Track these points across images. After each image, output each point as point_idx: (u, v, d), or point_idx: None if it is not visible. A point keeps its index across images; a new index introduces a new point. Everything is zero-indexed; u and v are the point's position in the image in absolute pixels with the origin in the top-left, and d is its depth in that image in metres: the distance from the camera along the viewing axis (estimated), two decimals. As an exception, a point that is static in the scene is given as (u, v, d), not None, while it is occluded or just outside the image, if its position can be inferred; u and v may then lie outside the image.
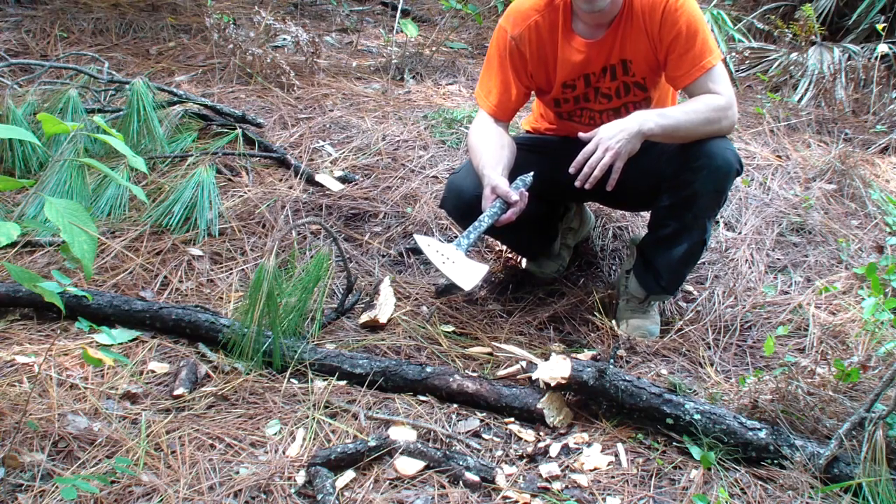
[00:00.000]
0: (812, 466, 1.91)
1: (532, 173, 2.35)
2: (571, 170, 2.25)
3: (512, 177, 2.35)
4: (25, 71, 3.94)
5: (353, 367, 2.27)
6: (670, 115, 2.29)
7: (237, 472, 1.91)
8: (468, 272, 2.24)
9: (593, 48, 2.36)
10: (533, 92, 2.57)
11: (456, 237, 2.39)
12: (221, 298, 2.62)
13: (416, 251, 2.92)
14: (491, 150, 2.38)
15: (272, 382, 2.25)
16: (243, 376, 2.25)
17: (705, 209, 2.36)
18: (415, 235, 2.34)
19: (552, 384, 2.11)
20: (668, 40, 2.29)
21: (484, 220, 2.26)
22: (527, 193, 2.31)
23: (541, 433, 2.11)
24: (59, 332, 2.38)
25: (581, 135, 2.27)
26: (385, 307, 2.59)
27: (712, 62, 2.29)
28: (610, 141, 2.21)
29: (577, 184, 2.25)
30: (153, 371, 2.27)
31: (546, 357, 2.25)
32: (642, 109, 2.46)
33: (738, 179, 3.19)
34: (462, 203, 2.43)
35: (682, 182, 2.32)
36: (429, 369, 2.24)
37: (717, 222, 3.09)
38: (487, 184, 2.29)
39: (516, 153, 2.45)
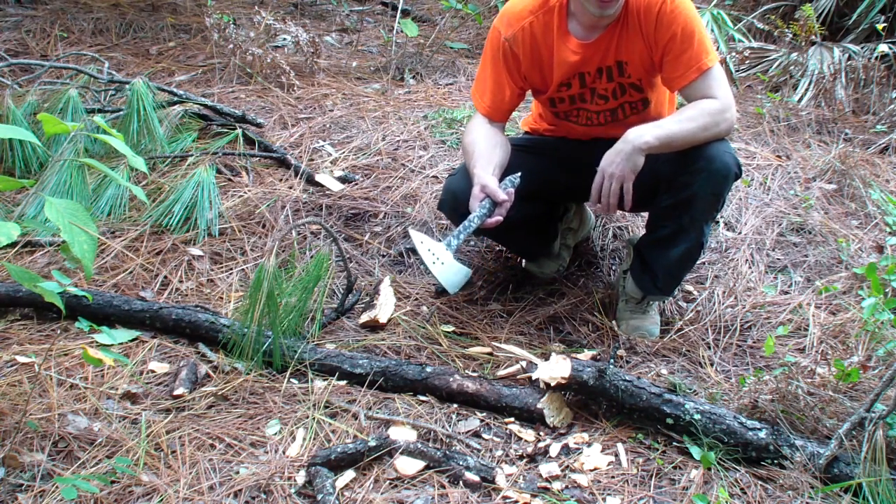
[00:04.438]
0: (812, 466, 1.91)
1: (520, 174, 2.36)
2: (591, 206, 2.29)
3: (505, 177, 2.36)
4: (25, 71, 3.94)
5: (353, 367, 2.27)
6: (665, 125, 2.28)
7: (237, 472, 1.91)
8: (454, 276, 2.33)
9: (588, 49, 2.35)
10: (529, 92, 2.57)
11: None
12: (221, 298, 2.62)
13: (416, 251, 2.92)
14: (483, 150, 2.38)
15: (272, 382, 2.25)
16: (243, 376, 2.25)
17: (702, 212, 2.35)
18: (410, 230, 2.39)
19: (552, 384, 2.11)
20: (664, 42, 2.28)
21: (473, 221, 2.29)
22: (513, 193, 2.32)
23: (541, 433, 2.11)
24: (59, 332, 2.38)
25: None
26: (385, 307, 2.59)
27: (708, 64, 2.28)
28: (611, 167, 2.24)
29: (601, 213, 2.30)
30: (153, 371, 2.27)
31: (546, 357, 2.25)
32: (639, 110, 2.46)
33: (738, 180, 3.20)
34: (458, 205, 2.44)
35: (681, 184, 2.32)
36: (429, 369, 2.24)
37: (717, 222, 3.09)
38: (476, 182, 2.30)
39: (515, 154, 2.46)
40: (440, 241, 2.34)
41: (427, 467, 1.94)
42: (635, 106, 2.46)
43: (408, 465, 1.93)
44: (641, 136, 2.22)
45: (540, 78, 2.47)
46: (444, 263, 2.29)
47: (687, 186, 2.31)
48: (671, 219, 2.39)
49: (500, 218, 2.29)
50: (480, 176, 2.30)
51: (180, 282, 2.68)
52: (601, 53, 2.35)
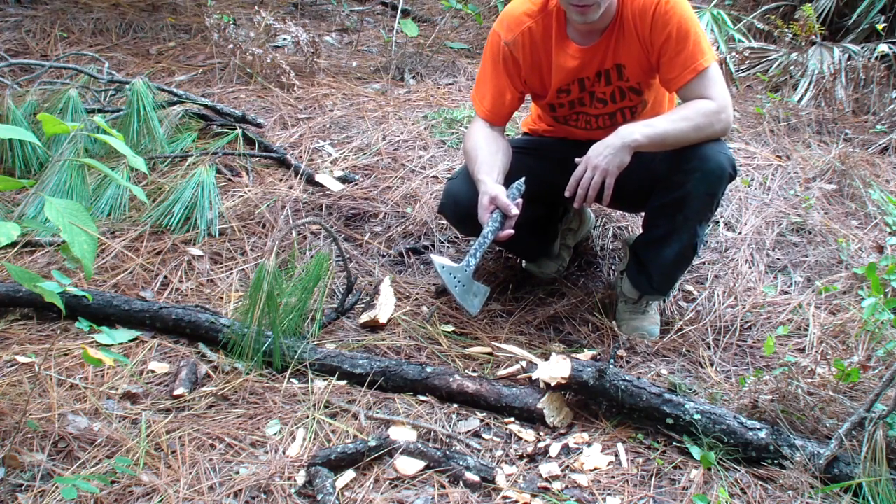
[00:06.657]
0: (812, 466, 1.91)
1: (523, 178, 2.36)
2: (567, 193, 2.29)
3: (507, 181, 2.36)
4: (25, 71, 3.94)
5: (353, 367, 2.27)
6: (656, 124, 2.28)
7: (237, 472, 1.91)
8: (475, 297, 2.38)
9: (587, 54, 2.35)
10: (528, 96, 2.57)
11: (465, 251, 2.42)
12: (221, 298, 2.62)
13: (416, 251, 2.93)
14: (486, 155, 2.38)
15: (272, 382, 2.25)
16: (243, 376, 2.25)
17: (696, 212, 2.35)
18: (431, 256, 2.44)
19: (552, 384, 2.11)
20: (660, 43, 2.28)
21: (487, 237, 2.31)
22: (521, 202, 2.33)
23: (541, 433, 2.11)
24: (59, 332, 2.38)
25: (577, 160, 2.30)
26: (385, 307, 2.59)
27: (704, 64, 2.27)
28: (597, 159, 2.24)
29: (574, 205, 2.29)
30: (153, 371, 2.27)
31: (546, 357, 2.25)
32: (638, 112, 2.47)
33: (738, 180, 3.19)
34: (460, 209, 2.44)
35: (675, 183, 2.32)
36: (429, 369, 2.24)
37: (717, 223, 3.09)
38: (484, 192, 2.29)
39: (514, 156, 2.46)
40: (458, 262, 2.36)
41: (427, 467, 1.94)
42: (635, 109, 2.46)
43: (408, 465, 1.93)
44: (631, 133, 2.23)
45: (539, 82, 2.47)
46: (465, 286, 2.34)
47: (681, 185, 2.31)
48: (665, 218, 2.39)
49: (512, 231, 2.30)
50: (488, 185, 2.29)
51: (180, 282, 2.68)
52: (600, 57, 2.36)
